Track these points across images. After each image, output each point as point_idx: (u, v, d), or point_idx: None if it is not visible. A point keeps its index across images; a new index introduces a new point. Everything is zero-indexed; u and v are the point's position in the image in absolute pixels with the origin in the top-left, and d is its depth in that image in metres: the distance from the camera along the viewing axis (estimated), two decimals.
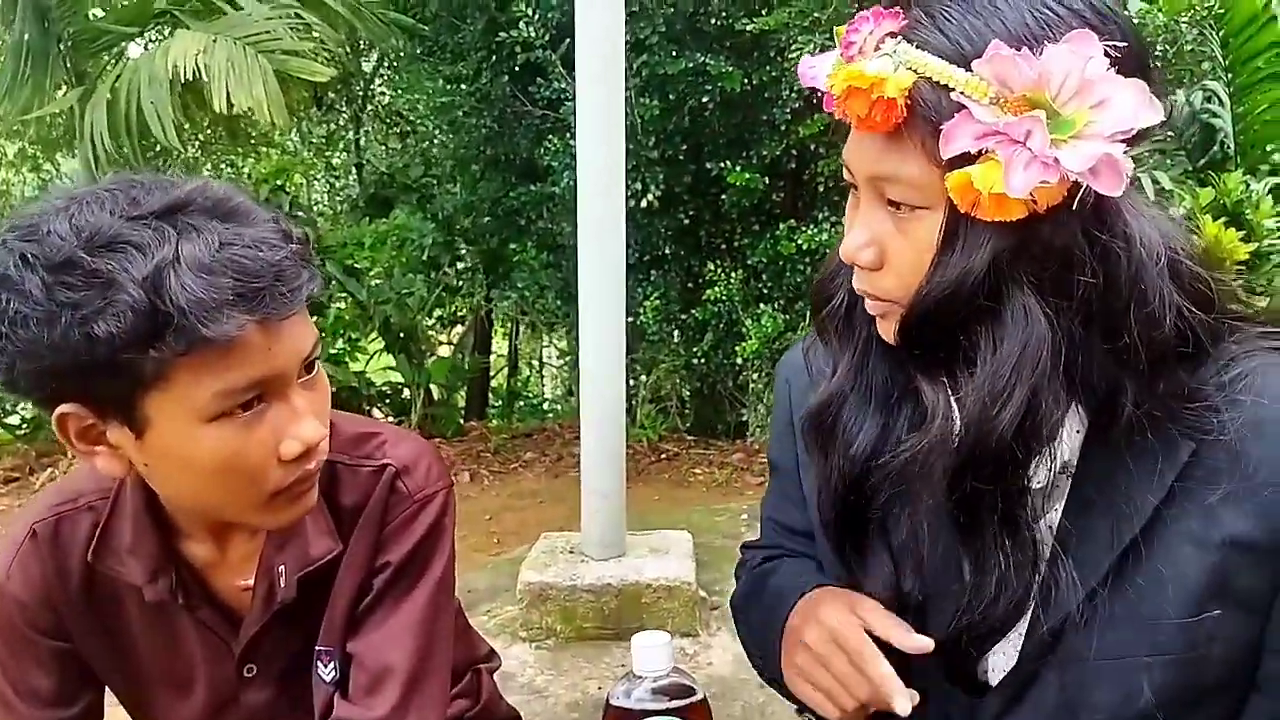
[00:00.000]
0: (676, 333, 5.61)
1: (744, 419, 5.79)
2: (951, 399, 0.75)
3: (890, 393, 0.84)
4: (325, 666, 0.99)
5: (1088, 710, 0.76)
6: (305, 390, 0.84)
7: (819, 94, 0.75)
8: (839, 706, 0.81)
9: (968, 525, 0.77)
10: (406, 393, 6.63)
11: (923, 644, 0.78)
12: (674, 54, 4.74)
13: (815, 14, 4.50)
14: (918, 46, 0.68)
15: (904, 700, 0.77)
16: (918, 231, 0.73)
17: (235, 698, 1.01)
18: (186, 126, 7.23)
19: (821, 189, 5.09)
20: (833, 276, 0.87)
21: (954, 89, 0.67)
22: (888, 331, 0.80)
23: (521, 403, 8.75)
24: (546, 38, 4.82)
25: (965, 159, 0.67)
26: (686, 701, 0.83)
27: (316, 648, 0.99)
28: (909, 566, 0.83)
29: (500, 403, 8.79)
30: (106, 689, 1.05)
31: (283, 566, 0.95)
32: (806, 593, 0.89)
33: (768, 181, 5.00)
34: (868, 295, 0.78)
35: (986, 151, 0.66)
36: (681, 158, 5.01)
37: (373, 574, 0.98)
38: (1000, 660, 0.81)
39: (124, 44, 5.86)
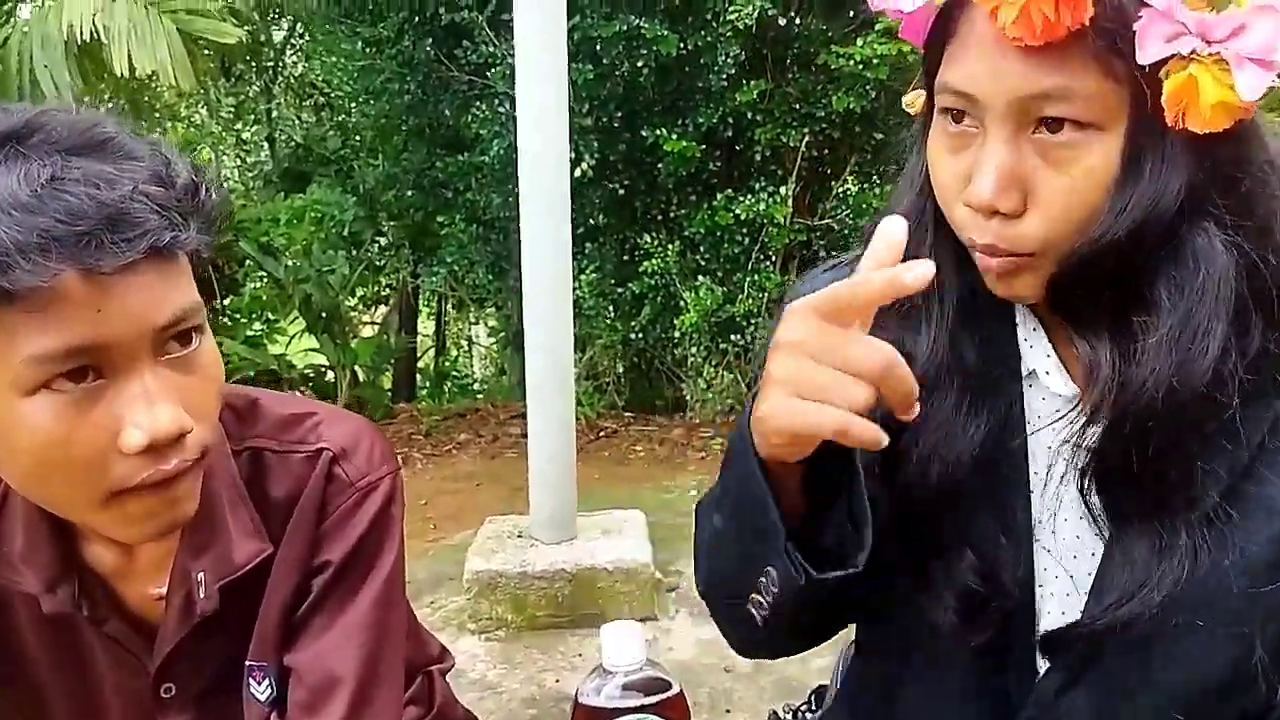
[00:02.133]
0: (613, 307, 5.48)
1: (683, 394, 5.70)
2: (1116, 357, 0.64)
3: (988, 365, 0.73)
4: (259, 684, 0.87)
5: (1149, 687, 0.69)
6: (168, 369, 0.69)
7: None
8: (848, 403, 0.59)
9: (1140, 493, 0.66)
10: (330, 375, 6.38)
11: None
12: (608, 16, 4.57)
13: None
14: None
15: (918, 271, 0.58)
16: (1087, 159, 0.62)
17: None
18: (89, 98, 6.83)
19: (758, 158, 5.00)
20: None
21: None
22: (1023, 289, 0.68)
23: (450, 383, 8.53)
24: None
25: (1153, 68, 0.59)
26: (662, 697, 0.75)
27: (247, 663, 0.86)
28: (1007, 558, 0.72)
29: (429, 383, 8.56)
30: None
31: (201, 574, 0.82)
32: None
33: (704, 150, 4.89)
34: (993, 252, 0.66)
35: (1180, 57, 0.58)
36: (616, 125, 4.86)
37: (311, 575, 0.85)
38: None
39: (12, 3, 5.42)
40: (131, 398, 0.67)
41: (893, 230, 0.61)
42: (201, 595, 0.82)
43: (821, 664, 1.60)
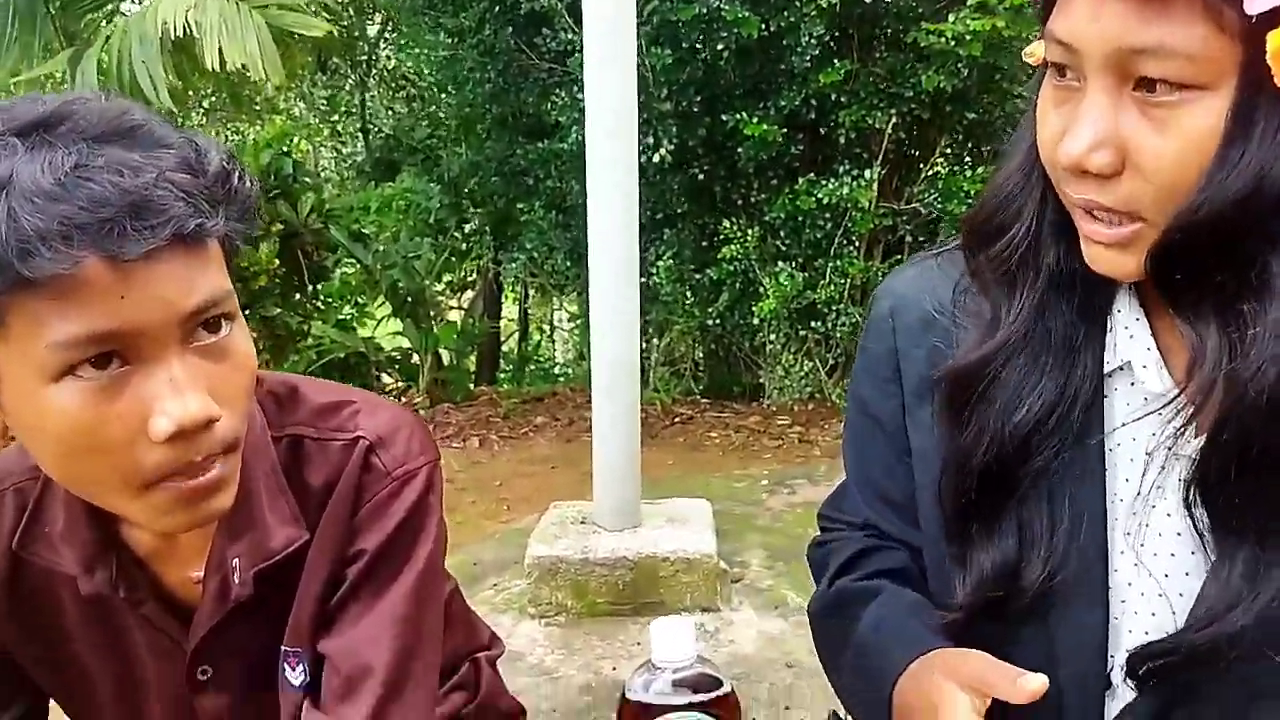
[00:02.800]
0: (690, 293, 5.43)
1: (760, 381, 5.62)
2: (1225, 347, 0.59)
3: (1073, 342, 0.69)
4: (293, 670, 0.87)
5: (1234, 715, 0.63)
6: (197, 357, 0.69)
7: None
8: None
9: (1246, 503, 0.61)
10: (415, 358, 6.51)
11: (1035, 688, 0.61)
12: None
13: None
14: None
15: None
16: (1186, 120, 0.57)
17: (190, 706, 0.88)
18: (190, 93, 7.11)
19: (842, 140, 4.87)
20: (999, 206, 0.71)
21: None
22: (1122, 264, 0.63)
23: (532, 367, 8.62)
24: None
25: (1264, 21, 0.52)
26: (712, 695, 0.74)
27: (283, 648, 0.86)
28: (1038, 554, 0.68)
29: (510, 367, 8.66)
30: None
31: (237, 560, 0.82)
32: (913, 660, 0.72)
33: (786, 133, 4.78)
34: (1099, 210, 0.62)
35: None
36: (695, 110, 4.80)
37: (346, 563, 0.85)
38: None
39: (114, 3, 5.67)
40: (159, 385, 0.67)
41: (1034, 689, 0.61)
42: (236, 581, 0.82)
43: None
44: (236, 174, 0.69)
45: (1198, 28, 0.54)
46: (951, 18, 4.39)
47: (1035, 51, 0.67)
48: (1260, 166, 0.55)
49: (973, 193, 4.74)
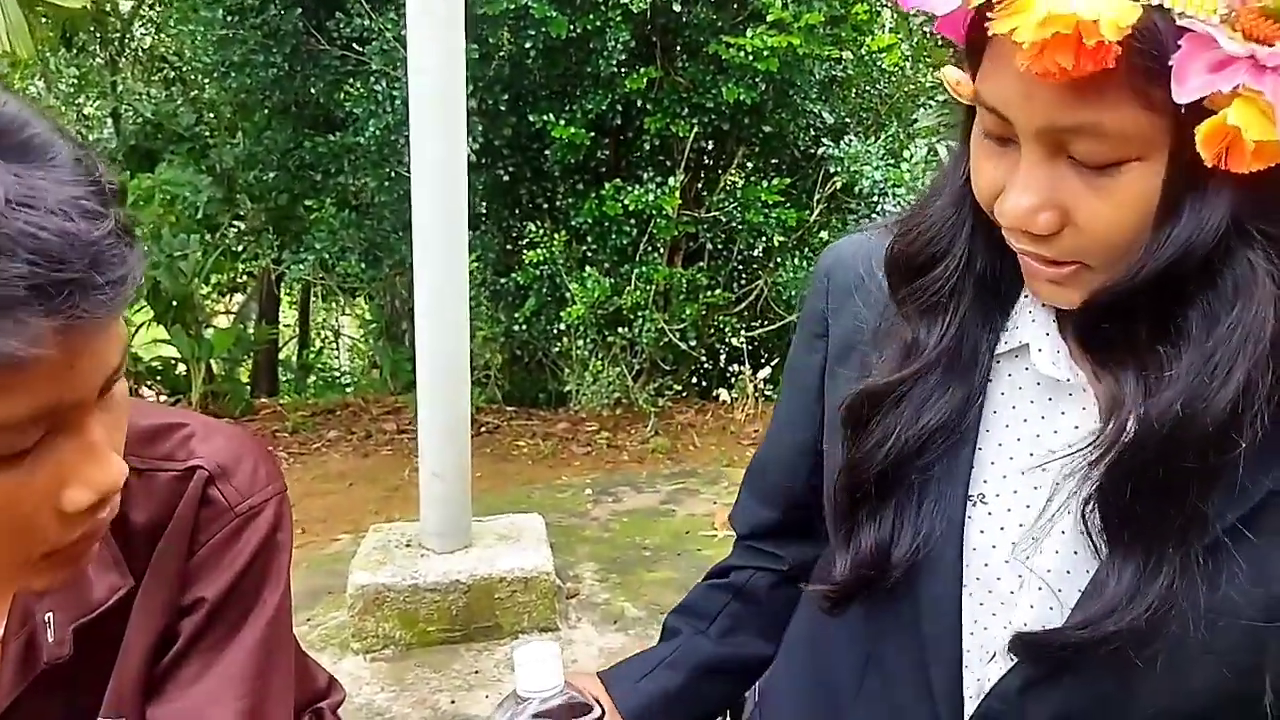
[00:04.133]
0: (494, 298, 5.28)
1: (566, 388, 5.56)
2: (1135, 384, 0.62)
3: (979, 350, 0.72)
4: None
5: (1128, 699, 0.67)
6: (103, 413, 0.58)
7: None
8: None
9: (1137, 521, 0.64)
10: (182, 368, 5.92)
11: None
12: None
13: None
14: None
15: None
16: (1122, 187, 0.58)
17: None
18: None
19: (647, 147, 4.90)
20: (929, 241, 0.73)
21: (1176, 10, 0.52)
22: (1066, 296, 0.65)
23: (315, 377, 8.11)
24: None
25: (1192, 110, 0.53)
26: None
27: (100, 718, 0.73)
28: (908, 535, 0.72)
29: (291, 377, 8.11)
30: None
31: (49, 615, 0.69)
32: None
33: (593, 137, 4.75)
34: (1040, 260, 0.63)
35: (1233, 89, 0.51)
36: (502, 109, 4.66)
37: (181, 614, 0.74)
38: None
39: None
40: (77, 453, 0.56)
41: None
42: (50, 639, 0.69)
43: None
44: (124, 192, 0.58)
45: (1128, 108, 0.55)
46: (749, 32, 4.52)
47: (950, 77, 0.66)
48: (1187, 236, 0.57)
49: (769, 203, 4.92)
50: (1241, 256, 0.58)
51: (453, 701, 2.37)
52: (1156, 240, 0.58)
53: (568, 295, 4.97)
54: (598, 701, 0.75)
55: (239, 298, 8.42)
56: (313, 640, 2.64)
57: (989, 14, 0.55)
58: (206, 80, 5.96)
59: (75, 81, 7.43)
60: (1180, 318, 0.60)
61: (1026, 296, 0.72)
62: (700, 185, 5.33)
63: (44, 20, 5.06)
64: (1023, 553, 0.70)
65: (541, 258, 4.92)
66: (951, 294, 0.71)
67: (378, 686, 2.42)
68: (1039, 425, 0.71)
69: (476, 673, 2.47)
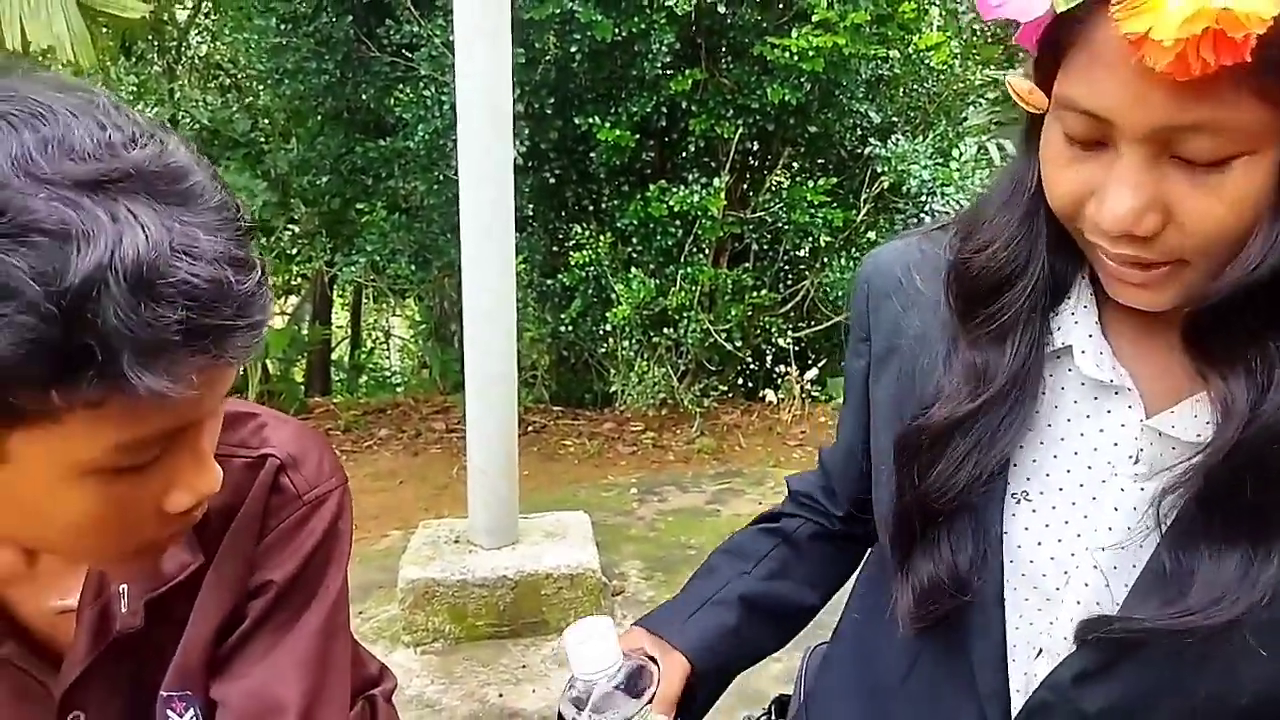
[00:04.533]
0: (541, 299, 5.33)
1: (612, 388, 5.59)
2: (1247, 382, 0.61)
3: (1049, 395, 0.71)
4: (180, 716, 0.77)
5: (1180, 693, 0.66)
6: (210, 421, 0.64)
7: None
8: None
9: (1245, 512, 0.63)
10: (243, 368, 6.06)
11: None
12: None
13: None
14: None
15: None
16: (1232, 183, 0.57)
17: None
18: None
19: (692, 149, 4.91)
20: (1001, 264, 0.71)
21: None
22: (1160, 299, 0.63)
23: (367, 377, 8.25)
24: None
25: None
26: (654, 689, 0.70)
27: (163, 692, 0.76)
28: (976, 562, 0.71)
29: (343, 377, 8.26)
30: None
31: (124, 586, 0.73)
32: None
33: (638, 139, 4.77)
34: (1135, 264, 0.62)
35: None
36: (548, 112, 4.71)
37: (250, 595, 0.77)
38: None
39: None
40: (187, 461, 0.61)
41: None
42: (124, 609, 0.73)
43: (778, 669, 1.52)
44: (254, 231, 0.62)
45: (1246, 102, 0.54)
46: (794, 33, 4.51)
47: (1020, 86, 0.64)
48: None
49: (815, 203, 4.90)
50: None
51: (500, 695, 2.42)
52: (1274, 232, 0.57)
53: (613, 296, 5.00)
54: (651, 658, 0.74)
55: (293, 300, 8.60)
56: (365, 633, 2.71)
57: (1116, 11, 0.54)
58: (261, 87, 6.10)
59: (134, 89, 7.64)
60: None
61: (1070, 298, 0.71)
62: (746, 186, 5.33)
63: (105, 30, 5.23)
64: (1073, 535, 0.70)
65: (587, 259, 4.96)
66: (1028, 314, 0.70)
67: (428, 679, 2.48)
68: (1084, 424, 0.70)
69: (524, 667, 2.52)
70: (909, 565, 0.74)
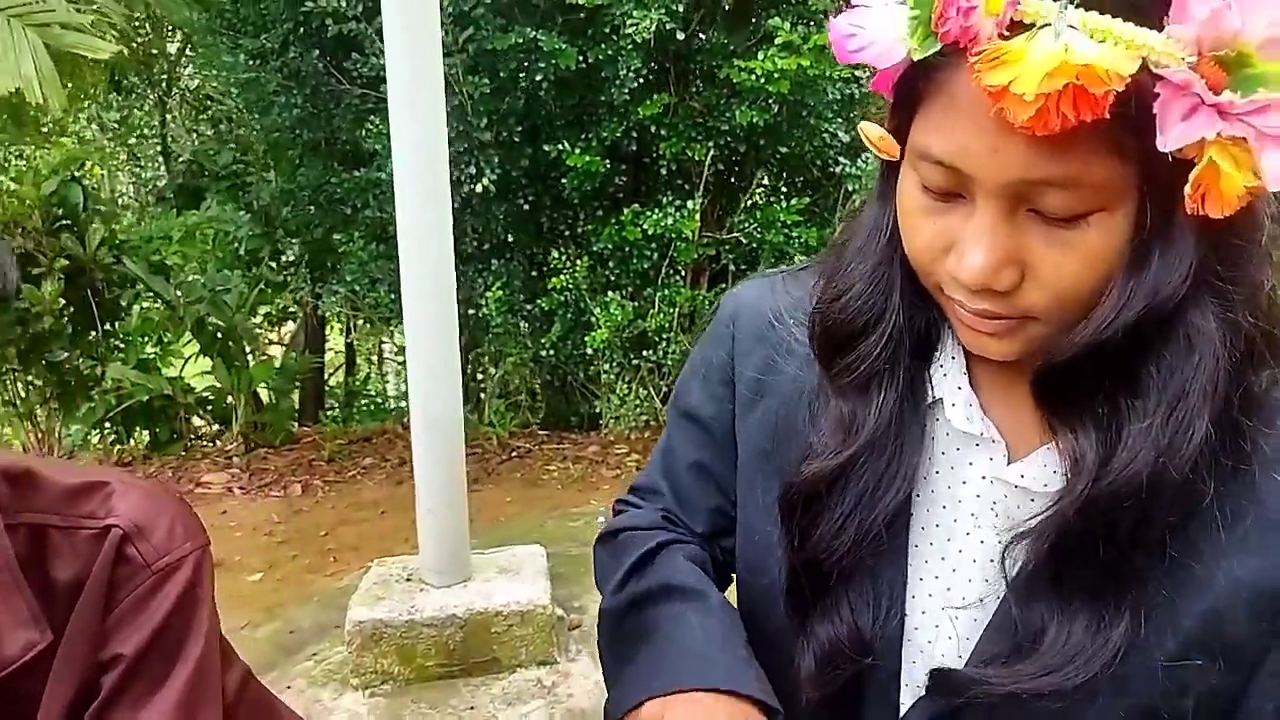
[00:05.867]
0: (523, 324, 5.34)
1: (597, 410, 5.59)
2: (1100, 446, 0.60)
3: (923, 422, 0.70)
4: None
5: None
6: None
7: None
8: None
9: (1095, 572, 0.62)
10: (230, 399, 6.09)
11: None
12: (502, 28, 4.43)
13: None
14: (1078, 5, 0.51)
15: None
16: (1086, 239, 0.56)
17: None
18: None
19: (664, 172, 4.92)
20: (855, 313, 0.70)
21: (1152, 59, 0.51)
22: (1007, 348, 0.63)
23: (363, 402, 8.26)
24: (360, 8, 4.41)
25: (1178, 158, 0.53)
26: None
27: None
28: (877, 621, 0.70)
29: (337, 404, 8.28)
30: None
31: None
32: (685, 689, 0.68)
33: (609, 164, 4.79)
34: (987, 316, 0.61)
35: (1204, 139, 0.52)
36: (517, 140, 4.73)
37: (99, 671, 0.74)
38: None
39: None
40: None
41: None
42: None
43: None
44: None
45: (1103, 159, 0.54)
46: (760, 55, 4.52)
47: (871, 133, 0.63)
48: (1154, 289, 0.56)
49: (789, 222, 4.89)
50: (1199, 306, 0.57)
51: None
52: (1125, 290, 0.57)
53: (592, 320, 5.01)
54: None
55: (290, 328, 8.64)
56: (315, 676, 2.70)
57: (975, 63, 0.53)
58: (239, 120, 6.16)
59: (118, 123, 7.72)
60: (1138, 370, 0.59)
61: (939, 351, 0.71)
62: (720, 207, 5.33)
63: (91, 66, 5.28)
64: (942, 586, 0.70)
65: (565, 284, 4.97)
66: (887, 363, 0.69)
67: None
68: (949, 476, 0.70)
69: (472, 709, 2.50)
70: (808, 629, 0.72)
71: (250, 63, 4.89)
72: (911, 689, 0.71)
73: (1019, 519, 0.65)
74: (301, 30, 4.73)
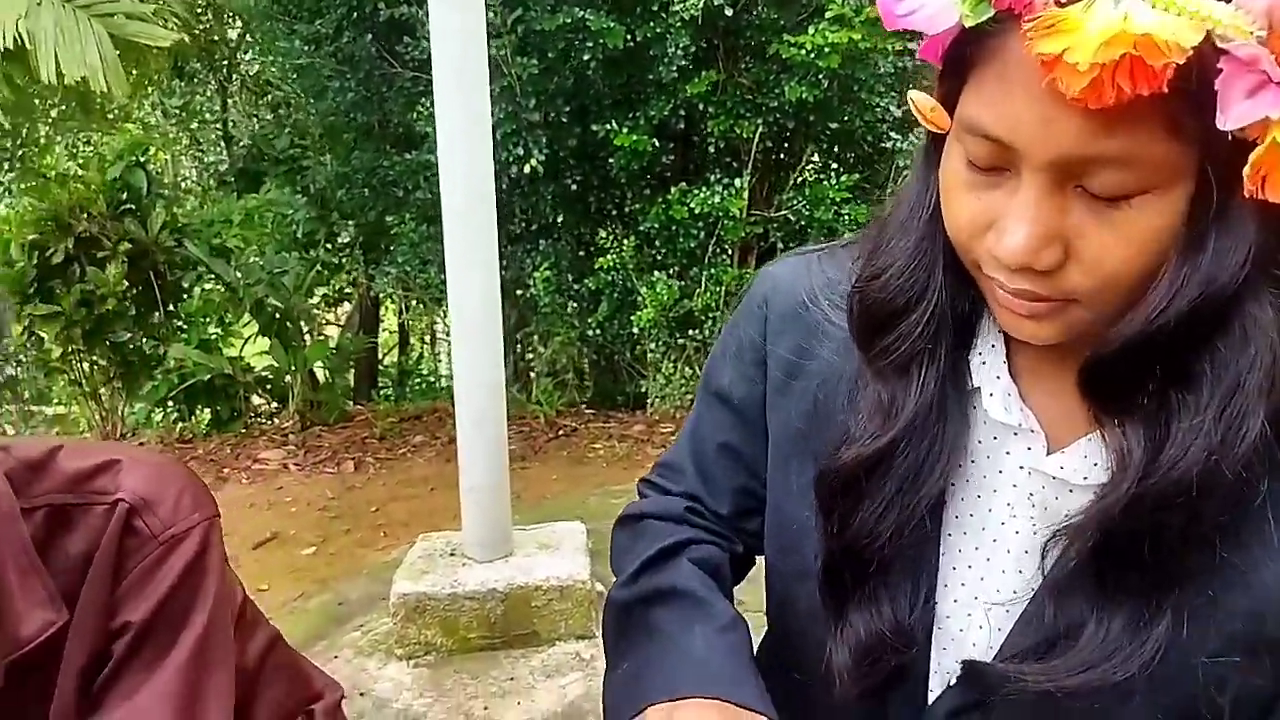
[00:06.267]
0: (571, 303, 5.38)
1: (643, 390, 5.61)
2: (1149, 442, 0.58)
3: (963, 409, 0.68)
4: None
5: None
6: None
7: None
8: None
9: (1139, 570, 0.61)
10: (287, 378, 6.24)
11: None
12: (550, 9, 4.44)
13: None
14: None
15: None
16: (1136, 220, 0.54)
17: None
18: (37, 101, 6.65)
19: (712, 150, 4.90)
20: (895, 292, 0.67)
21: (1218, 31, 0.48)
22: (1046, 332, 0.60)
23: (417, 380, 8.41)
24: None
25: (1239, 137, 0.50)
26: None
27: None
28: (914, 615, 0.69)
29: (390, 383, 8.43)
30: None
31: None
32: (687, 696, 0.68)
33: (656, 143, 4.78)
34: (1027, 297, 0.58)
35: (1269, 119, 0.48)
36: (565, 120, 4.74)
37: (110, 639, 0.78)
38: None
39: None
40: None
41: None
42: None
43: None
44: None
45: (1159, 137, 0.51)
46: (811, 29, 4.46)
47: (931, 114, 0.60)
48: (1211, 275, 0.54)
49: (838, 200, 4.84)
50: (1254, 297, 0.55)
51: (485, 708, 2.46)
52: (1179, 277, 0.54)
53: (639, 299, 5.02)
54: None
55: (345, 308, 8.81)
56: (362, 646, 2.77)
57: (1029, 29, 0.50)
58: (296, 104, 6.27)
59: (180, 108, 7.91)
60: (1191, 364, 0.57)
61: (977, 339, 0.69)
62: (769, 185, 5.29)
63: (154, 52, 5.43)
64: (975, 576, 0.69)
65: (612, 263, 4.98)
66: (929, 343, 0.66)
67: (417, 692, 2.53)
68: (985, 466, 0.68)
69: (512, 679, 2.55)
70: (845, 617, 0.70)
71: (305, 48, 4.98)
72: (940, 676, 0.70)
73: (1057, 510, 0.63)
74: (355, 15, 4.80)
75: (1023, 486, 0.66)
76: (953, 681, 0.69)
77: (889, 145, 4.89)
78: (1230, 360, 0.55)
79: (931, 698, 0.70)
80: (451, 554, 2.82)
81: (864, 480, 0.67)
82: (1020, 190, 0.55)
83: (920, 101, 0.60)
